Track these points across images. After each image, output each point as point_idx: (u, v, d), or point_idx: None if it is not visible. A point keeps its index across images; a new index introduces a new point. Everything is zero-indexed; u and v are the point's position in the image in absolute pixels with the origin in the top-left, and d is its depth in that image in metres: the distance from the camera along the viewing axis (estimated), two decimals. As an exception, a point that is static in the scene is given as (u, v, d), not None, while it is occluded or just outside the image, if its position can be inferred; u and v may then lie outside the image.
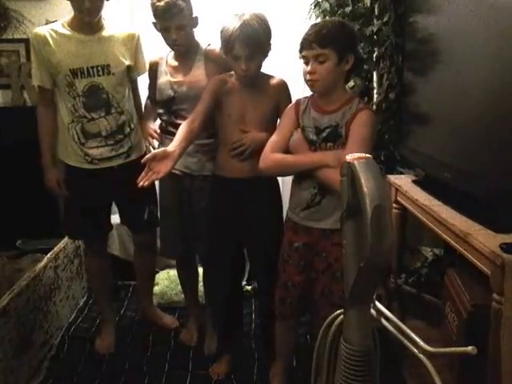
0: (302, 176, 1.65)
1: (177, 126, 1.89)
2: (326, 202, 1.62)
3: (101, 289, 2.30)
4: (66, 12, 1.95)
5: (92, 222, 2.10)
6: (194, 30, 1.96)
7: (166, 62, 2.00)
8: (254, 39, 1.66)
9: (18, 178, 2.73)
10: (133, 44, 2.03)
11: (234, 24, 1.66)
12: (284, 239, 1.74)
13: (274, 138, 1.69)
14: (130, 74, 2.06)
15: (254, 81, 1.79)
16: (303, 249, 1.68)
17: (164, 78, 1.98)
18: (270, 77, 1.84)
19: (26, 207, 2.70)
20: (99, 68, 1.94)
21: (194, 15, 1.91)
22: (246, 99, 1.79)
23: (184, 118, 1.87)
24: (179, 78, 1.95)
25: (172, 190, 2.06)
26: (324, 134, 1.60)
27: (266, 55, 1.76)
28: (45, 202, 2.64)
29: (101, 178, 2.03)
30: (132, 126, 2.06)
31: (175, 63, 1.99)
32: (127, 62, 2.01)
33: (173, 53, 2.00)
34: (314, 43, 1.52)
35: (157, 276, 2.70)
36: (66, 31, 1.93)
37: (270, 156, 1.66)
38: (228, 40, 1.68)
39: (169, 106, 1.98)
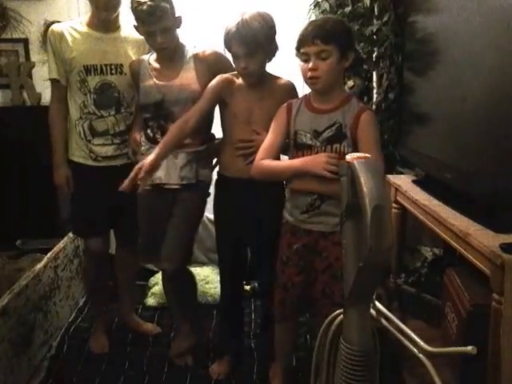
0: (301, 181, 1.63)
1: (166, 133, 1.85)
2: (326, 206, 1.61)
3: (97, 289, 2.29)
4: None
5: (97, 220, 2.08)
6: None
7: (149, 63, 1.92)
8: (250, 38, 1.64)
9: (18, 178, 2.74)
10: (145, 49, 2.03)
11: (233, 22, 1.66)
12: (282, 241, 1.73)
13: (265, 142, 1.68)
14: None
15: (259, 81, 1.77)
16: (303, 250, 1.67)
17: (149, 81, 1.89)
18: (277, 78, 1.82)
19: (26, 207, 2.70)
20: (112, 67, 1.96)
21: (177, 15, 1.84)
22: (252, 99, 1.78)
23: (174, 123, 1.83)
24: (167, 80, 1.87)
25: (152, 201, 1.96)
26: (325, 136, 1.58)
27: (269, 54, 1.74)
28: (45, 202, 2.65)
29: (104, 176, 2.02)
30: None
31: (159, 66, 1.91)
32: None
33: (154, 55, 1.93)
34: (316, 39, 1.51)
35: (157, 276, 2.71)
36: (83, 28, 1.97)
37: (260, 163, 1.65)
38: (226, 38, 1.69)
39: (157, 111, 1.90)
